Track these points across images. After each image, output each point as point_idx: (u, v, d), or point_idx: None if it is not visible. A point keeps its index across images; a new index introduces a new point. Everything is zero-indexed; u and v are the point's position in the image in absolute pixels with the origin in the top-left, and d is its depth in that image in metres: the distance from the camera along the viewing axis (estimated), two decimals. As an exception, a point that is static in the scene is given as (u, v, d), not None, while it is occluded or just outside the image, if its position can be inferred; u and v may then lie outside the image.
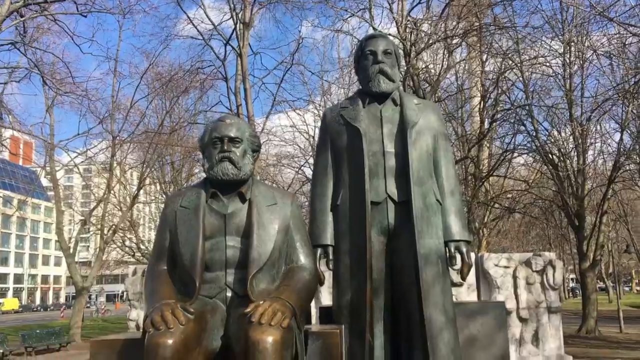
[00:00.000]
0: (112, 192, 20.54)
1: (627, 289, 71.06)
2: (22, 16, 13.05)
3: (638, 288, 74.16)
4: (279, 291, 2.94)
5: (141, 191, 22.89)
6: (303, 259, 3.20)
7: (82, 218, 29.37)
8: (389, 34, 14.82)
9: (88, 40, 16.85)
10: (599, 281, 58.97)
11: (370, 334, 3.46)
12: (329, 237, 3.73)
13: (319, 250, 3.70)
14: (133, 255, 26.17)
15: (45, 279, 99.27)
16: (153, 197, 30.10)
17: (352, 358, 3.42)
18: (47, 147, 18.31)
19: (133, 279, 9.02)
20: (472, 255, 8.61)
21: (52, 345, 18.63)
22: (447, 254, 3.65)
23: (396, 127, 3.75)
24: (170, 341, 2.56)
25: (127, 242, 25.86)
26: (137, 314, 8.85)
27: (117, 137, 19.26)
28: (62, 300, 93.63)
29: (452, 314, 3.55)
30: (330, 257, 3.73)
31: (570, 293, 60.26)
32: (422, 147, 3.73)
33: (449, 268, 3.70)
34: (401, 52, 14.58)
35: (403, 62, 14.47)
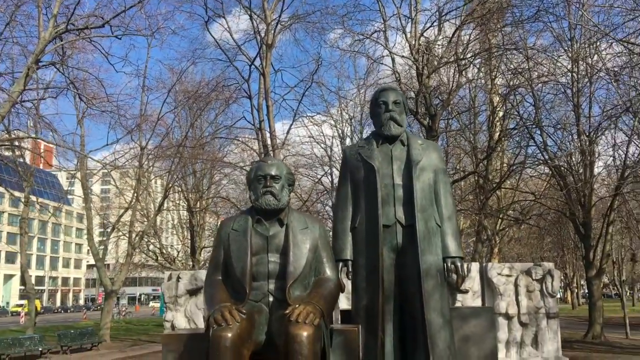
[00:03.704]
0: (138, 199, 21.58)
1: (643, 295, 70.44)
2: (62, 40, 14.08)
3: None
4: (310, 297, 3.77)
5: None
6: (329, 271, 4.03)
7: (105, 222, 30.45)
8: (403, 56, 15.61)
9: (121, 59, 17.76)
10: (614, 288, 58.78)
11: (381, 332, 4.26)
12: (349, 253, 4.52)
13: (341, 264, 4.47)
14: (156, 260, 27.11)
15: (65, 281, 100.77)
16: (175, 204, 31.10)
17: (367, 351, 4.21)
18: (79, 157, 19.36)
19: (169, 284, 9.69)
20: (477, 264, 9.41)
21: (84, 344, 19.49)
22: (445, 268, 4.46)
23: (404, 164, 4.54)
24: (229, 334, 3.39)
25: (151, 247, 26.85)
26: (173, 316, 9.59)
27: (145, 148, 20.29)
28: (81, 302, 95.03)
29: (449, 317, 4.35)
30: (350, 269, 4.52)
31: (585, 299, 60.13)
32: (425, 181, 4.51)
33: (450, 279, 4.50)
34: (413, 72, 15.37)
35: (416, 83, 15.23)
